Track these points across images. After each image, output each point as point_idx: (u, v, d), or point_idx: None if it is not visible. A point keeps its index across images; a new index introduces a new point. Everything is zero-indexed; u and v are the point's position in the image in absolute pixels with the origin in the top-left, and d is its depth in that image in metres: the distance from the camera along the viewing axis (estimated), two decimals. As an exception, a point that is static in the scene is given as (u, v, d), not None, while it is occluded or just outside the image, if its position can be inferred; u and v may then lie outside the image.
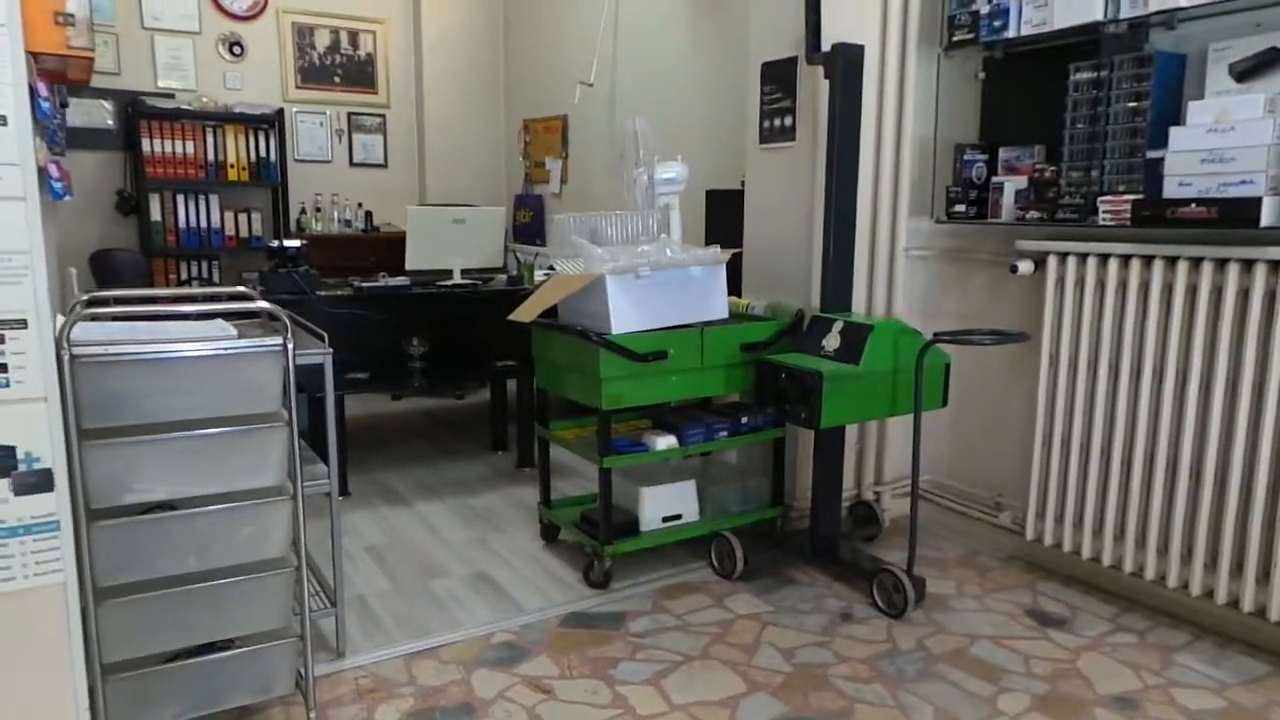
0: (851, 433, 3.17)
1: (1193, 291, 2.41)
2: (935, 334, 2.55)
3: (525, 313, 2.83)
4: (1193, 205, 2.39)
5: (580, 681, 2.21)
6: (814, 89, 2.98)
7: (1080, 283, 2.66)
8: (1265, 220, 2.22)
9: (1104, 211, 2.57)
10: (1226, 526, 2.36)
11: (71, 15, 2.26)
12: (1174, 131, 2.41)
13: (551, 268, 3.13)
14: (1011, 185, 2.90)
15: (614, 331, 2.62)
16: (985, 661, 2.33)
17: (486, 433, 4.42)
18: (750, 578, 2.80)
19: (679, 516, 2.89)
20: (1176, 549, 2.47)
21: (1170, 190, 2.43)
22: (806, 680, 2.23)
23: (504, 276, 4.04)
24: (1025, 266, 2.80)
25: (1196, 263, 2.40)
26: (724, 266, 2.90)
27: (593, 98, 5.15)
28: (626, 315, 2.66)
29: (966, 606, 2.65)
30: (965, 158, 3.07)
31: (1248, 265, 2.30)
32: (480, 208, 4.42)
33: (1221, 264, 2.35)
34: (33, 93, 1.69)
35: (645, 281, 2.71)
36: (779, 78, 3.13)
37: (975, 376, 3.07)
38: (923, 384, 2.52)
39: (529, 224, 5.96)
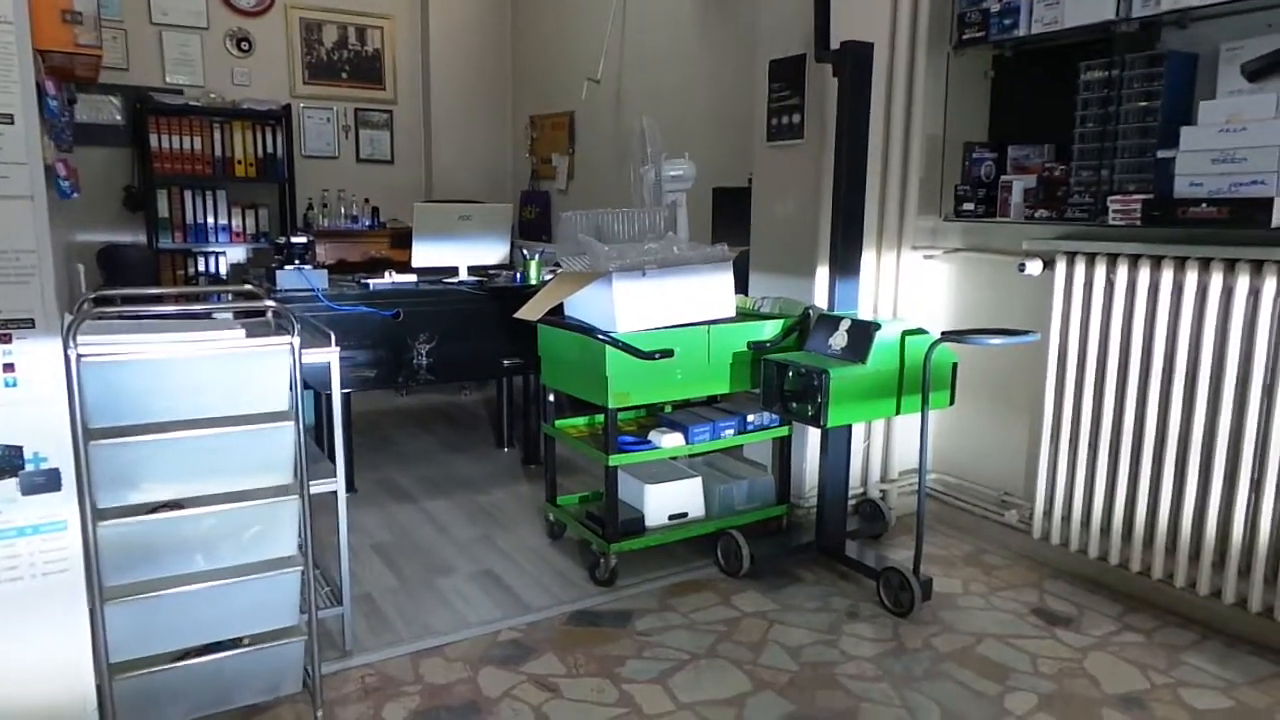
0: (858, 431, 3.16)
1: (1203, 292, 2.40)
2: (943, 333, 2.54)
3: (531, 310, 2.83)
4: (1204, 205, 2.37)
5: (587, 680, 2.21)
6: (822, 86, 2.96)
7: (1089, 282, 2.65)
8: (1276, 221, 2.20)
9: (1114, 211, 2.55)
10: (1235, 526, 2.35)
11: (79, 13, 2.26)
12: (1185, 131, 2.40)
13: (558, 265, 3.13)
14: (1020, 184, 2.88)
15: (620, 329, 2.62)
16: (992, 660, 2.33)
17: (492, 429, 4.43)
18: (756, 576, 2.80)
19: (685, 515, 2.89)
20: (1184, 548, 2.46)
21: (1181, 190, 2.41)
22: (813, 679, 2.23)
23: (510, 273, 4.03)
24: (1033, 266, 2.78)
25: (1206, 263, 2.38)
26: (731, 264, 2.90)
27: (600, 94, 5.14)
28: (633, 313, 2.66)
29: (973, 605, 2.64)
30: (974, 156, 3.06)
31: (1258, 266, 2.28)
32: (487, 204, 4.43)
33: (1231, 264, 2.33)
34: (40, 91, 1.69)
35: (651, 279, 2.70)
36: (787, 75, 3.12)
37: (983, 375, 3.06)
38: (930, 383, 2.51)
39: (535, 220, 5.96)
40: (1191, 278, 2.41)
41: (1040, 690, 2.19)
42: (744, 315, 2.99)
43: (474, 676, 2.22)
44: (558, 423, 3.03)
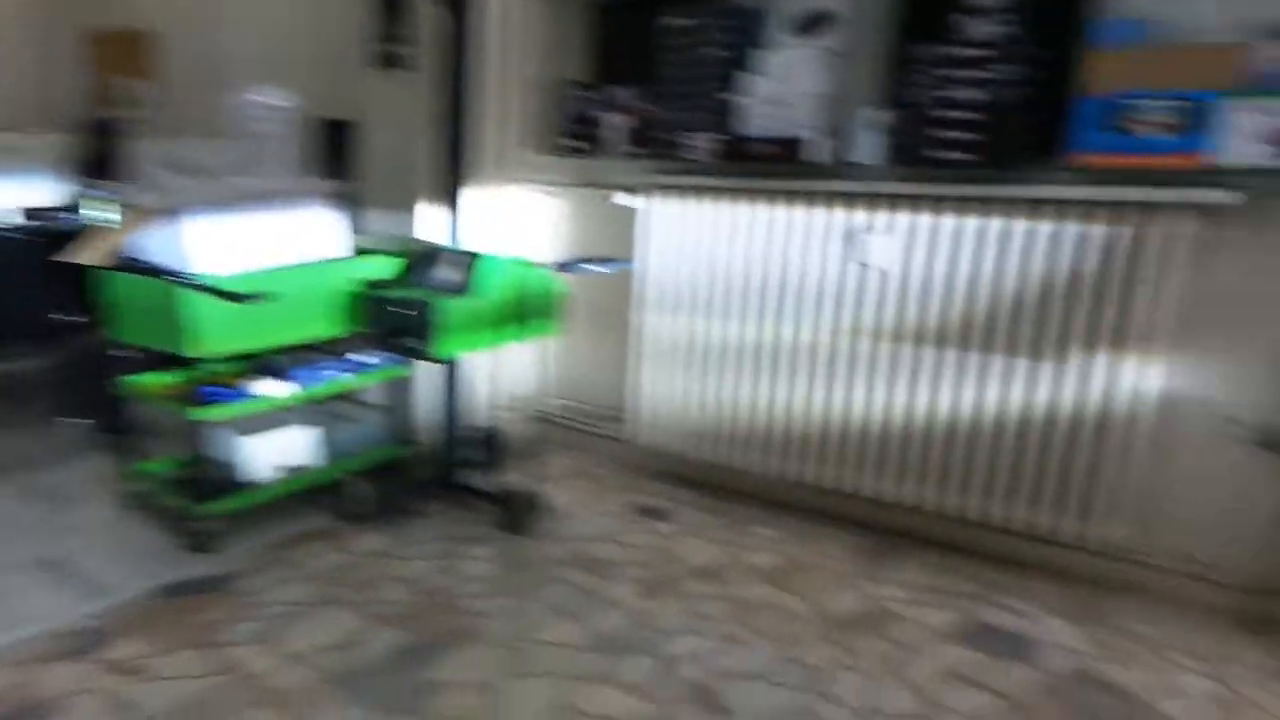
0: (474, 363, 3.18)
1: (768, 219, 2.74)
2: (549, 263, 2.63)
3: (89, 253, 2.43)
4: (764, 144, 2.72)
5: (181, 654, 1.99)
6: (430, 20, 2.87)
7: (673, 212, 2.90)
8: (813, 157, 2.60)
9: (694, 148, 2.83)
10: (793, 418, 2.78)
11: None
12: (748, 78, 2.71)
13: (126, 203, 2.71)
14: (617, 122, 3.06)
15: (198, 270, 2.34)
16: (600, 559, 2.52)
17: (54, 397, 3.73)
18: (377, 519, 2.71)
19: (296, 465, 2.71)
20: (757, 442, 2.87)
21: (746, 131, 2.74)
22: (430, 608, 2.22)
23: (68, 215, 3.42)
24: (625, 198, 2.98)
25: (768, 195, 2.73)
26: (335, 200, 2.72)
27: (186, 11, 4.49)
28: (216, 253, 2.39)
29: (583, 514, 2.83)
30: (577, 95, 3.18)
31: (809, 196, 2.66)
32: (31, 134, 3.70)
33: (788, 195, 2.69)
34: None
35: (236, 216, 2.45)
36: (395, 6, 2.99)
37: (589, 302, 3.23)
38: (537, 311, 2.59)
39: (101, 154, 5.09)
40: (757, 206, 2.74)
41: (638, 577, 2.42)
42: (354, 253, 2.83)
43: (34, 678, 1.88)
44: (136, 379, 2.65)
